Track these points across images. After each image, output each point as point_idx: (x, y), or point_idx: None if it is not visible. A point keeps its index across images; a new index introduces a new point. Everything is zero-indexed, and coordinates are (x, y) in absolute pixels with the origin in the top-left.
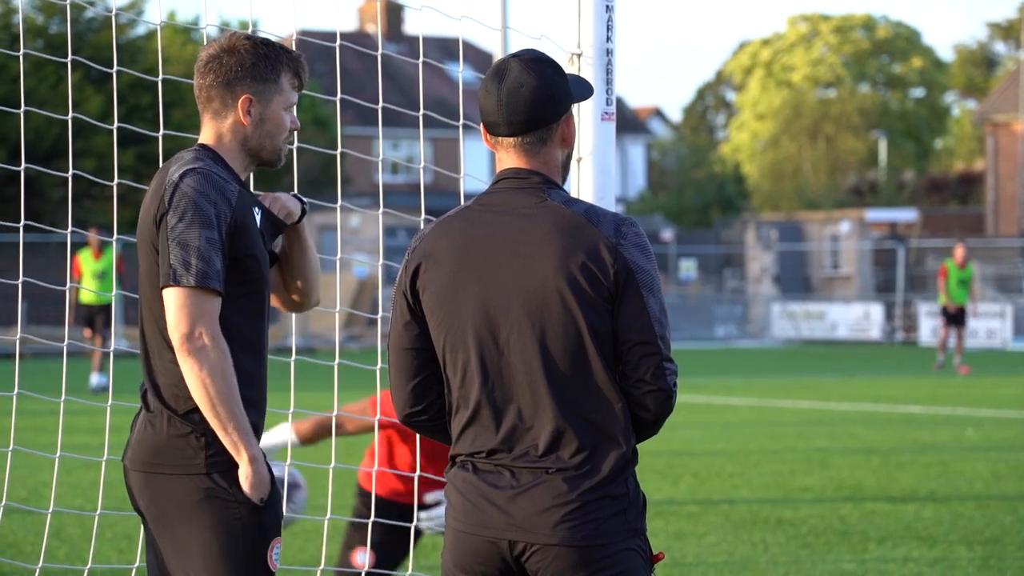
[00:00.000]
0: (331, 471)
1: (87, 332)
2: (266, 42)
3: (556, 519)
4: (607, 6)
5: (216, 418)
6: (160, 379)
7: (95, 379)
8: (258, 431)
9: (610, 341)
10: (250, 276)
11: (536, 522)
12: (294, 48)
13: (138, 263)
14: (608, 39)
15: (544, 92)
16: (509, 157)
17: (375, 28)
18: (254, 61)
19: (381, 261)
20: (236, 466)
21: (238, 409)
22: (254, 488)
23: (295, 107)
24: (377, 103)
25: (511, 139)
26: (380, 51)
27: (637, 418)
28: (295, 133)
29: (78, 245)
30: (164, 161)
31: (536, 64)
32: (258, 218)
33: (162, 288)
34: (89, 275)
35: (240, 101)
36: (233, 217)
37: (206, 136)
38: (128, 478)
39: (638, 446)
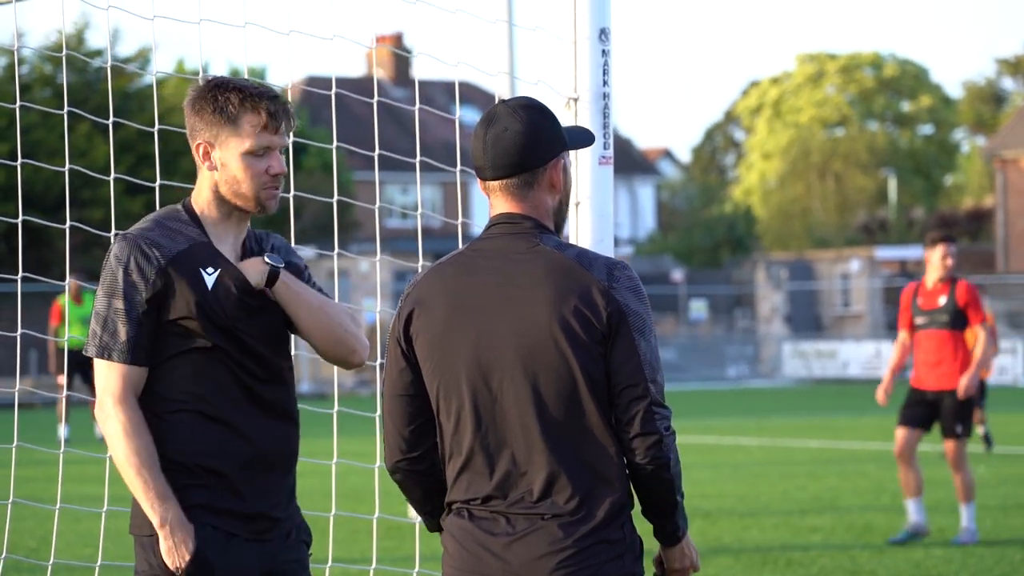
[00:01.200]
0: (332, 518)
1: (60, 379)
2: (223, 84)
3: (552, 566)
4: (603, 51)
5: (129, 484)
6: None
7: (99, 429)
8: (224, 502)
9: (604, 385)
10: (192, 337)
11: (532, 569)
12: (294, 95)
13: None
14: (604, 83)
15: (527, 137)
16: (499, 202)
17: (382, 73)
18: (201, 106)
19: (378, 308)
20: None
21: (149, 475)
22: (168, 555)
23: (279, 150)
24: (384, 148)
25: (496, 183)
26: (376, 98)
27: (633, 464)
28: (282, 179)
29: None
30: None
31: (522, 110)
32: (210, 279)
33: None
34: (74, 319)
35: (195, 148)
36: (163, 281)
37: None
38: None
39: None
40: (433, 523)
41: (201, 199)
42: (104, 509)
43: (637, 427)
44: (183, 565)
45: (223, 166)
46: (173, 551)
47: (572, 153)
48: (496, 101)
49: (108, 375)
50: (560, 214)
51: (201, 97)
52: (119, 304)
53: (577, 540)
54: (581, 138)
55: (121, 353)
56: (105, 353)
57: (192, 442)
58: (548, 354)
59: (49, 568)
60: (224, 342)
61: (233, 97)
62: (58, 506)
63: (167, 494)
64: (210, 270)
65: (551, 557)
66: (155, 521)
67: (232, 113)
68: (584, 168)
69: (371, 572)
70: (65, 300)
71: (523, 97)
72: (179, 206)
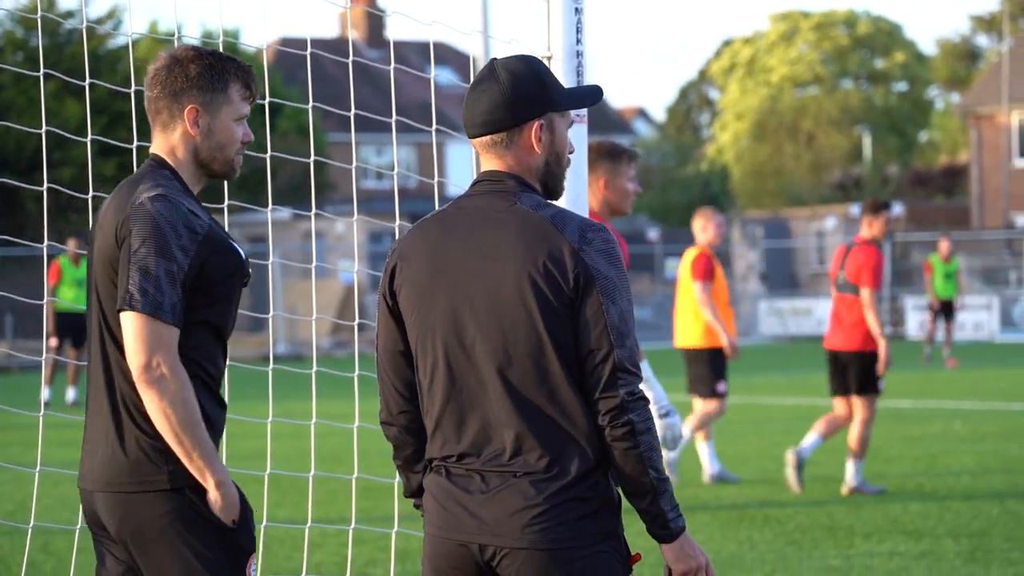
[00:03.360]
0: (311, 478)
1: (52, 342)
2: (213, 53)
3: (524, 522)
4: (576, 8)
5: (180, 446)
6: (126, 397)
7: (71, 393)
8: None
9: (571, 347)
10: (205, 308)
11: (505, 526)
12: (271, 57)
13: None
14: (578, 41)
15: (505, 96)
16: (484, 159)
17: (356, 34)
18: (199, 71)
19: (356, 268)
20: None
21: (202, 435)
22: (224, 511)
23: (246, 119)
24: (359, 109)
25: (477, 141)
26: (351, 58)
27: (600, 431)
28: (246, 145)
29: (58, 253)
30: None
31: (505, 69)
32: (236, 253)
33: (118, 310)
34: (69, 281)
35: (186, 111)
36: (203, 248)
37: (158, 147)
38: (90, 501)
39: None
40: (411, 487)
41: (177, 163)
42: None
43: (599, 391)
44: (236, 518)
45: (211, 132)
46: (228, 507)
47: (564, 114)
48: (471, 61)
49: (160, 334)
50: (549, 174)
51: (194, 62)
52: (170, 265)
53: (549, 497)
54: (580, 96)
55: (171, 313)
56: (159, 312)
57: (201, 409)
58: (516, 313)
59: (29, 532)
60: (226, 315)
61: (230, 66)
62: (38, 469)
63: (215, 453)
64: (231, 242)
65: (524, 513)
66: (211, 480)
67: (226, 82)
68: None
69: (350, 532)
70: (64, 260)
71: (515, 56)
72: (163, 170)
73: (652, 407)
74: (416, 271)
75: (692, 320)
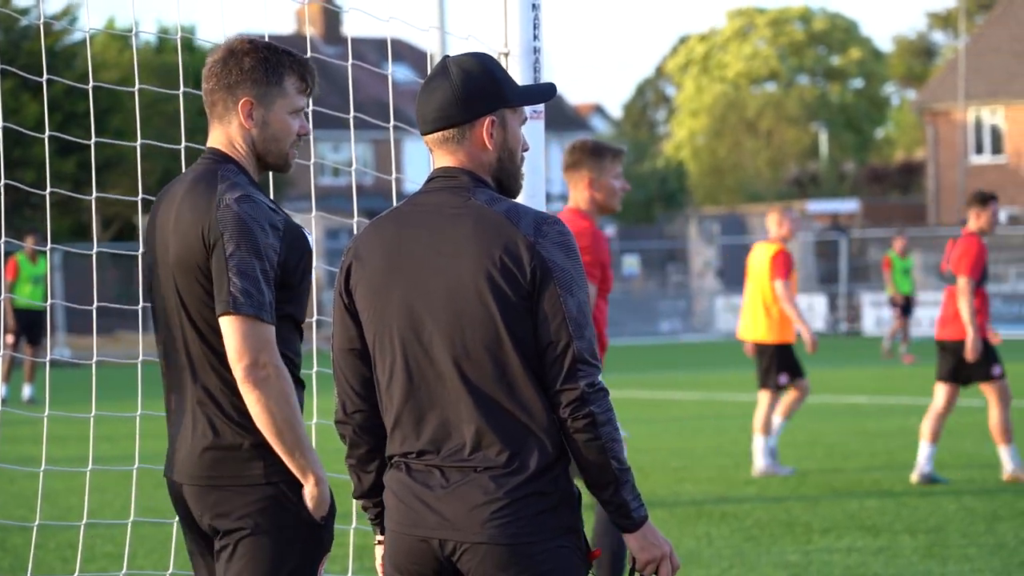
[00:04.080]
0: None
1: (9, 338)
2: (268, 46)
3: (484, 517)
4: (533, 4)
5: (283, 444)
6: (217, 394)
7: (27, 390)
8: None
9: (529, 340)
10: (297, 297)
11: (465, 520)
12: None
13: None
14: (535, 37)
15: (455, 92)
16: (437, 156)
17: (314, 31)
18: (253, 64)
19: (315, 264)
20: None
21: (303, 432)
22: (319, 508)
23: (303, 112)
24: (317, 106)
25: (429, 137)
26: (309, 53)
27: (561, 423)
28: (302, 138)
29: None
30: (97, 169)
31: (456, 65)
32: (311, 241)
33: (220, 315)
34: (26, 278)
35: (241, 104)
36: (285, 244)
37: (216, 141)
38: (180, 493)
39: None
40: (361, 488)
41: (236, 155)
42: (41, 469)
43: (559, 383)
44: (326, 515)
45: (266, 124)
46: (322, 504)
47: (516, 110)
48: (428, 58)
49: (261, 335)
50: (502, 171)
51: (248, 55)
52: (263, 264)
53: (509, 491)
54: (533, 93)
55: (270, 313)
56: (261, 313)
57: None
58: (474, 309)
59: None
60: (304, 306)
61: (285, 59)
62: None
63: (314, 451)
64: (301, 229)
65: (484, 508)
66: (311, 476)
67: (281, 75)
68: None
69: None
70: (21, 257)
71: (468, 53)
72: (229, 164)
73: None
74: (372, 269)
75: (763, 315)
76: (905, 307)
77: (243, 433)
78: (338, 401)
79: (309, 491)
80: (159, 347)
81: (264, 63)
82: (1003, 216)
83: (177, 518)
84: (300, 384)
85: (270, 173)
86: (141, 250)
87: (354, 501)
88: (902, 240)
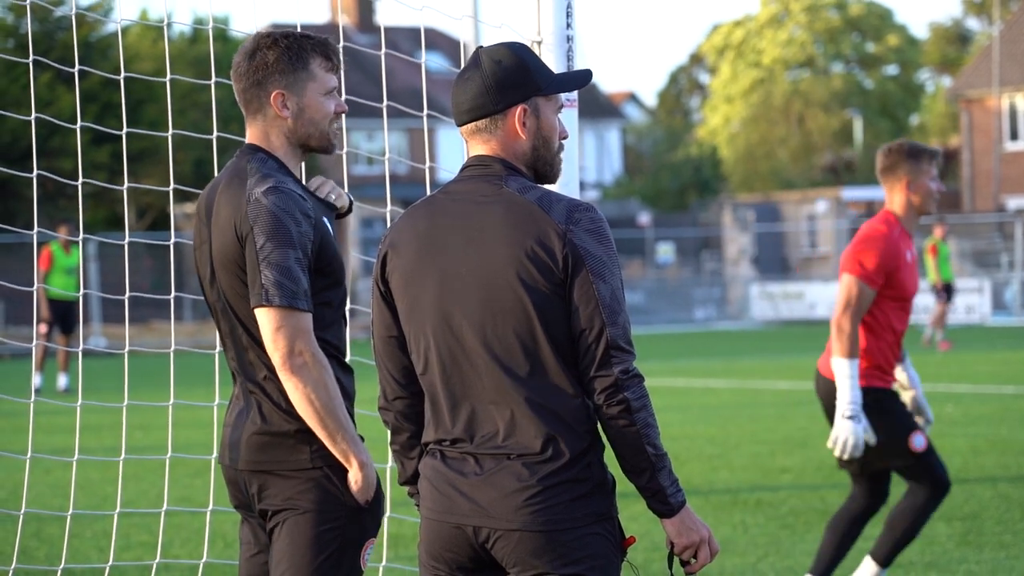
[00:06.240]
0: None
1: (43, 328)
2: (288, 34)
3: (517, 504)
4: None
5: (324, 430)
6: (264, 383)
7: (62, 380)
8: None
9: (562, 328)
10: (334, 282)
11: (499, 507)
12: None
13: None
14: (568, 25)
15: (486, 83)
16: (471, 145)
17: (347, 19)
18: (277, 56)
19: (351, 253)
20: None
21: (344, 418)
22: (362, 492)
23: (336, 91)
24: (350, 95)
25: (464, 127)
26: (342, 43)
27: (596, 410)
28: (343, 116)
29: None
30: (132, 159)
31: (487, 56)
32: (330, 225)
33: (254, 308)
34: (59, 268)
35: (272, 97)
36: (317, 233)
37: (253, 136)
38: (235, 477)
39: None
40: (406, 474)
41: (274, 148)
42: (75, 458)
43: (593, 370)
44: (370, 499)
45: (301, 111)
46: (367, 488)
47: (551, 98)
48: (461, 46)
49: (298, 324)
50: (538, 159)
51: (271, 48)
52: (296, 253)
53: (542, 479)
54: (567, 80)
55: (305, 301)
56: (295, 302)
57: (337, 382)
58: (505, 297)
59: (20, 518)
60: (342, 290)
61: (306, 43)
62: (29, 456)
63: (357, 436)
64: (325, 220)
65: (516, 495)
66: (355, 461)
67: (306, 60)
68: None
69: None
70: (55, 247)
71: (501, 43)
72: (258, 154)
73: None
74: (406, 258)
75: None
76: (948, 294)
77: (289, 419)
78: (380, 388)
79: (353, 475)
80: (221, 339)
81: (287, 52)
82: None
83: (210, 507)
84: (347, 370)
85: (302, 164)
86: (172, 240)
87: (388, 490)
88: (943, 227)
